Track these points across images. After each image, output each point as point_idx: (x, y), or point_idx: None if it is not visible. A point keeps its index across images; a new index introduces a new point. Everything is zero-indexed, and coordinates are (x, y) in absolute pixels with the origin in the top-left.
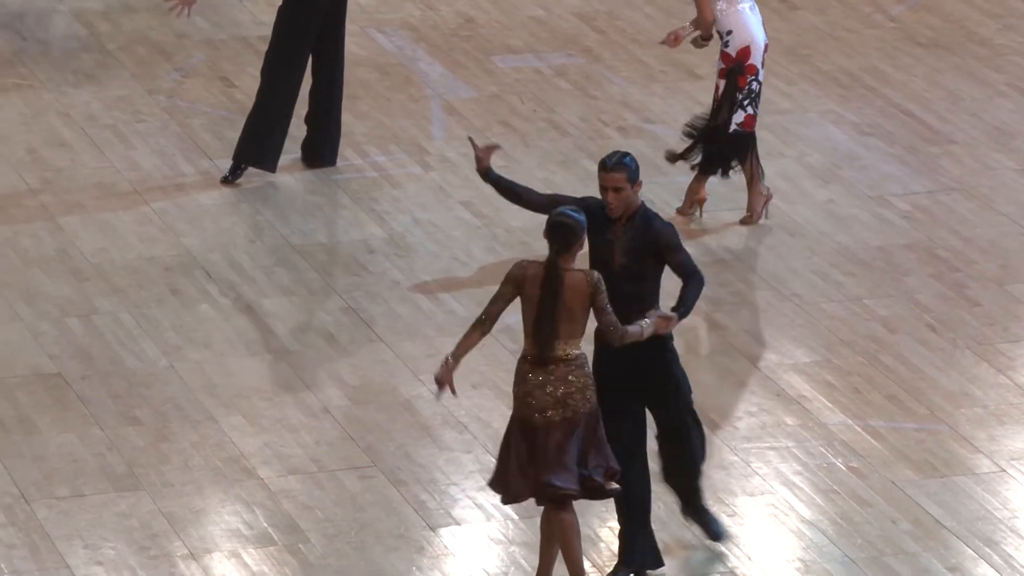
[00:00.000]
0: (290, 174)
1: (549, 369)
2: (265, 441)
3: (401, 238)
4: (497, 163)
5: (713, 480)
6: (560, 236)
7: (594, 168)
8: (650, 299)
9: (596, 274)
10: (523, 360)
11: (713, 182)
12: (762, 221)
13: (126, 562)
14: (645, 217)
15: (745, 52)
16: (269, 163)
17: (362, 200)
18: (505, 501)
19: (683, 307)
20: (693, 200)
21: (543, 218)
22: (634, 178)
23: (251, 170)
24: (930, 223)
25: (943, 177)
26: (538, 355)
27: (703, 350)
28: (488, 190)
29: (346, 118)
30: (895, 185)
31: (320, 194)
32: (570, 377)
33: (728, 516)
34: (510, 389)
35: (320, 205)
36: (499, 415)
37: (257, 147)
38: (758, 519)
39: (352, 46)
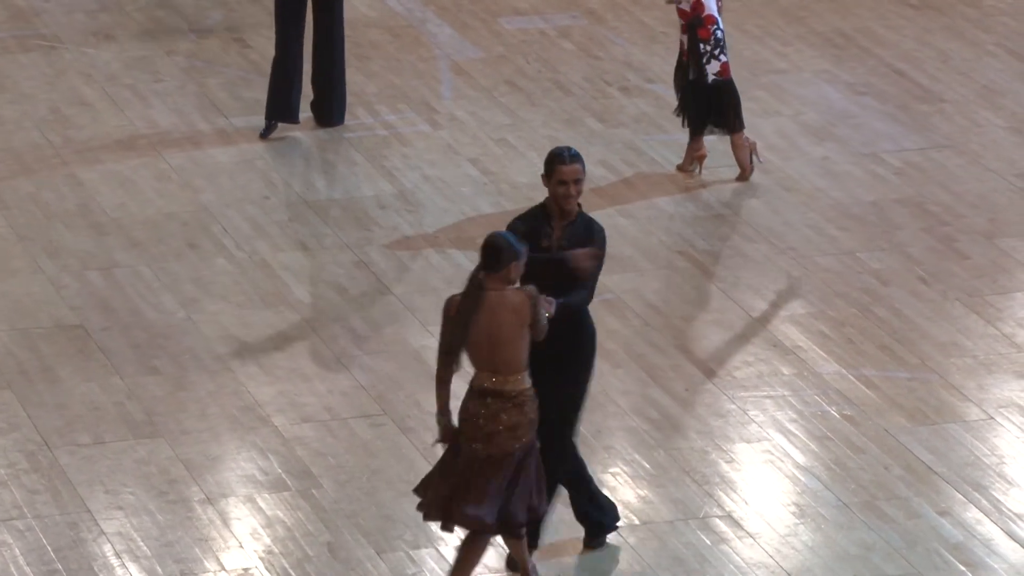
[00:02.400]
0: (303, 132)
1: (486, 402)
2: (280, 390)
3: (411, 194)
4: (503, 122)
5: (711, 427)
6: (488, 254)
7: (598, 126)
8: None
9: (531, 287)
10: (470, 385)
11: (712, 139)
12: (757, 164)
13: (145, 506)
14: (585, 220)
15: (699, 5)
16: (294, 116)
17: (373, 157)
18: (423, 510)
19: (565, 301)
20: (693, 157)
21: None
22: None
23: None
24: (921, 179)
25: (934, 134)
26: (477, 385)
27: (702, 302)
28: (494, 148)
29: (357, 78)
30: (887, 142)
31: (332, 151)
32: (502, 415)
33: (726, 463)
34: None
35: (333, 162)
36: None
37: (283, 102)
38: (754, 465)
39: (363, 8)
